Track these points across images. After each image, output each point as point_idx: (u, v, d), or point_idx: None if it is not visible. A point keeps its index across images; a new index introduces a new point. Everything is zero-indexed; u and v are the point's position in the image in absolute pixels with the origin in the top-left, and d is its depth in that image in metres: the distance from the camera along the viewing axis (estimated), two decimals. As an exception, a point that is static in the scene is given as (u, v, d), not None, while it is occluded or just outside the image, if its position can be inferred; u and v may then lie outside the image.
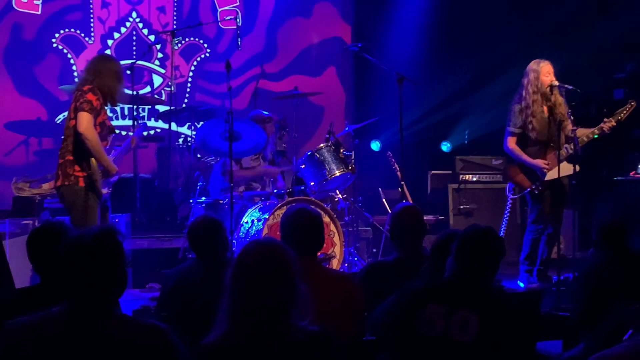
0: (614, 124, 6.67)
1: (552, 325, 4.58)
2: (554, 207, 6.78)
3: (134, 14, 9.50)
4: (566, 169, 6.63)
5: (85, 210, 5.52)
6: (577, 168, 6.66)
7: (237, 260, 2.64)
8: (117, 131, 6.36)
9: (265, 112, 7.56)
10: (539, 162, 6.66)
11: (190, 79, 9.73)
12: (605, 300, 3.65)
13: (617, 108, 6.86)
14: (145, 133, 9.10)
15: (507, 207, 7.19)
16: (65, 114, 8.01)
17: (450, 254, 3.16)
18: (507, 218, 7.26)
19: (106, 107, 5.75)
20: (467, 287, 3.04)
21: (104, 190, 5.65)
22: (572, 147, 6.61)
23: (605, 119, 6.68)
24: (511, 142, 6.79)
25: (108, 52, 9.21)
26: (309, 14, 10.19)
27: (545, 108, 6.67)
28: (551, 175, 6.65)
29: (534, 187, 6.71)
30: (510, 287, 6.60)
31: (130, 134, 7.90)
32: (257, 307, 2.55)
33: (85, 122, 5.45)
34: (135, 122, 7.87)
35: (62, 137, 5.71)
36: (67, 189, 5.57)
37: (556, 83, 6.64)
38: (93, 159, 5.52)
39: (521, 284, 6.80)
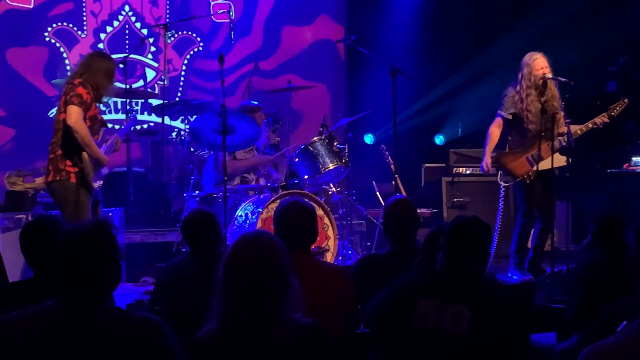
0: (607, 120, 6.70)
1: (546, 318, 4.59)
2: (544, 199, 6.76)
3: (127, 8, 9.47)
4: (559, 160, 6.63)
5: (77, 206, 5.50)
6: (569, 160, 6.64)
7: (229, 255, 2.63)
8: (110, 125, 6.34)
9: (254, 102, 7.53)
10: (486, 162, 6.80)
11: (183, 73, 9.71)
12: (601, 296, 3.66)
13: (610, 101, 6.86)
14: (139, 127, 9.08)
15: (500, 196, 7.14)
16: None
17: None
18: (502, 208, 7.21)
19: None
20: (458, 280, 3.04)
21: (96, 184, 5.63)
22: (565, 139, 6.61)
23: (603, 114, 6.71)
24: (495, 125, 6.81)
25: (101, 45, 9.19)
26: (304, 11, 10.17)
27: (539, 100, 6.66)
28: (544, 165, 6.64)
29: (525, 176, 6.70)
30: (502, 279, 6.61)
31: (123, 127, 7.88)
32: (249, 302, 2.54)
33: (74, 115, 5.43)
34: (127, 115, 7.85)
35: (53, 131, 5.69)
36: (58, 184, 5.54)
37: (549, 75, 6.64)
38: (84, 153, 5.50)
39: (514, 277, 6.80)
